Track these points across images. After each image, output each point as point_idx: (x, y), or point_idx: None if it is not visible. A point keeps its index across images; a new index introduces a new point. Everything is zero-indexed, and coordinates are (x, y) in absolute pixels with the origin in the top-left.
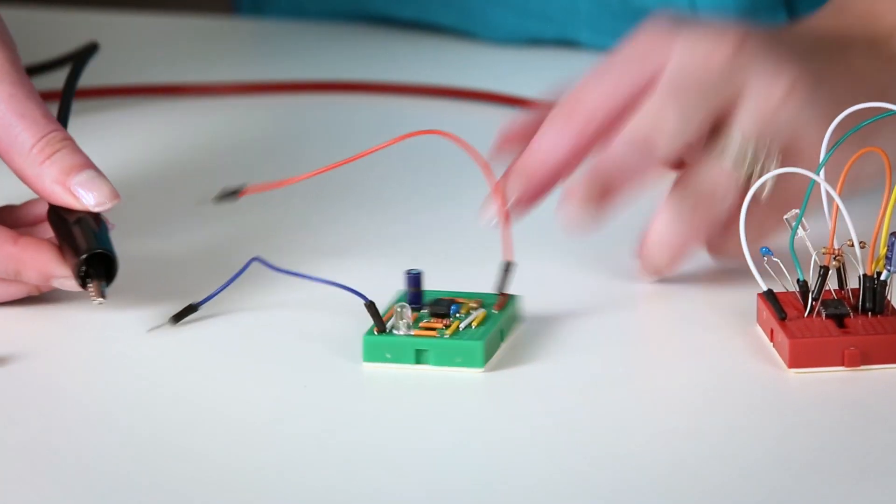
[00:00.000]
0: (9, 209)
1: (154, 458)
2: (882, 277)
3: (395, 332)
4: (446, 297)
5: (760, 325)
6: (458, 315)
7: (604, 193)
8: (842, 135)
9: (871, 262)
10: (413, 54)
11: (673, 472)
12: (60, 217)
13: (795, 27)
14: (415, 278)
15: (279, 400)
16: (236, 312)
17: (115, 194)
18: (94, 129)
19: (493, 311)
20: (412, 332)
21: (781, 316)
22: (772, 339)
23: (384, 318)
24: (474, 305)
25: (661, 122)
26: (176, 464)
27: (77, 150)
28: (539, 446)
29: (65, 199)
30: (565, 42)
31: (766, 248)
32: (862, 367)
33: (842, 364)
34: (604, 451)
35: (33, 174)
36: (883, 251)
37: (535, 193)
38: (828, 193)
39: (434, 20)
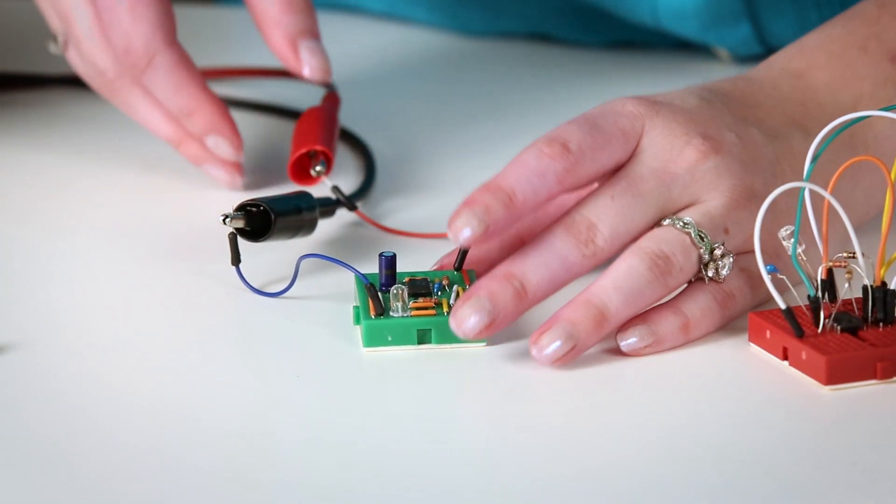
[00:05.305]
0: None
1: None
2: (893, 286)
3: (392, 314)
4: (418, 277)
5: (758, 344)
6: (439, 293)
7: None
8: (831, 151)
9: (881, 270)
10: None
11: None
12: None
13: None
14: (388, 260)
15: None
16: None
17: (329, 72)
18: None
19: (466, 286)
20: (409, 314)
21: (799, 333)
22: (784, 358)
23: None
24: (445, 283)
25: (603, 220)
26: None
27: (315, 17)
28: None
29: (286, 56)
30: (537, 36)
31: (772, 265)
32: (893, 379)
33: (874, 377)
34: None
35: (271, 20)
36: (894, 257)
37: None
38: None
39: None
